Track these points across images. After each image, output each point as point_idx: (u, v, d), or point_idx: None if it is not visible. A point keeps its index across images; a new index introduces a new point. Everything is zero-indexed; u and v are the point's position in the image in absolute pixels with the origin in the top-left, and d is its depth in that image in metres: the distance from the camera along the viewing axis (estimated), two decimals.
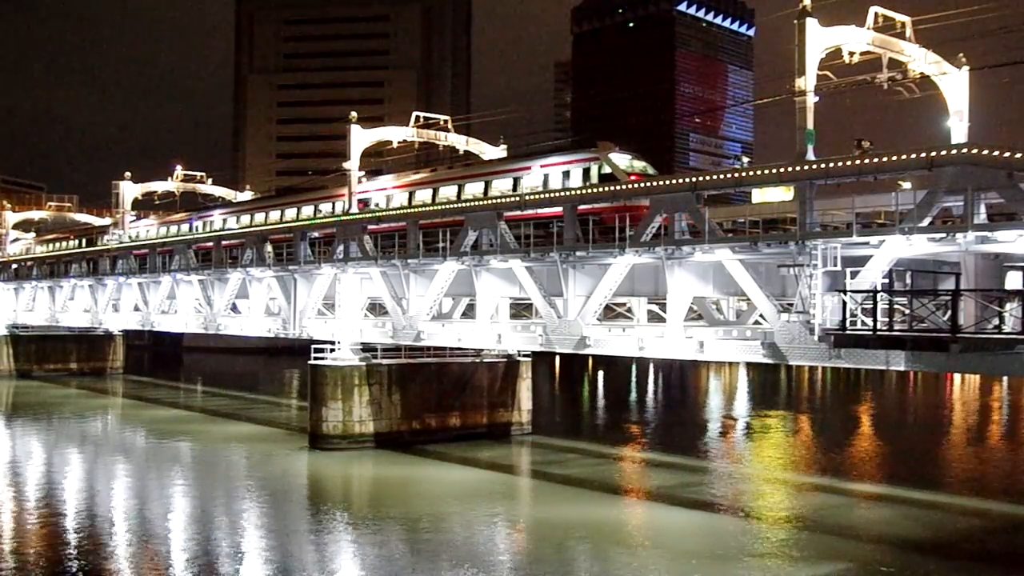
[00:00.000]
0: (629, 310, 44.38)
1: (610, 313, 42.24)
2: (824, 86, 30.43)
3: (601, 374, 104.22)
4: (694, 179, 32.99)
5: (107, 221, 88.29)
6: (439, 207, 45.03)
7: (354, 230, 47.19)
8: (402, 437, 48.71)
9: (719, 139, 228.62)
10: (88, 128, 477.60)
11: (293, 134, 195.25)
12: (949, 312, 25.53)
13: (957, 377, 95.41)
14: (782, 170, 30.03)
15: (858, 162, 27.96)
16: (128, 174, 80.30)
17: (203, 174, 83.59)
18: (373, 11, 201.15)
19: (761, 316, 32.81)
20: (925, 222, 26.76)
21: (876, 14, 31.67)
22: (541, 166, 44.21)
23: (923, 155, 26.66)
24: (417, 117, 54.03)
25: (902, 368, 27.72)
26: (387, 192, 52.67)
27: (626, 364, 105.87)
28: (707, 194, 32.92)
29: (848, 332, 27.56)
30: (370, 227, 47.28)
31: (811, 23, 29.73)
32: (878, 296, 26.84)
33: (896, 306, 27.28)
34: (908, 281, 30.66)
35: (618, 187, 36.69)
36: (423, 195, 50.03)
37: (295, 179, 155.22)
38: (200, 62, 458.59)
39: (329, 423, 47.71)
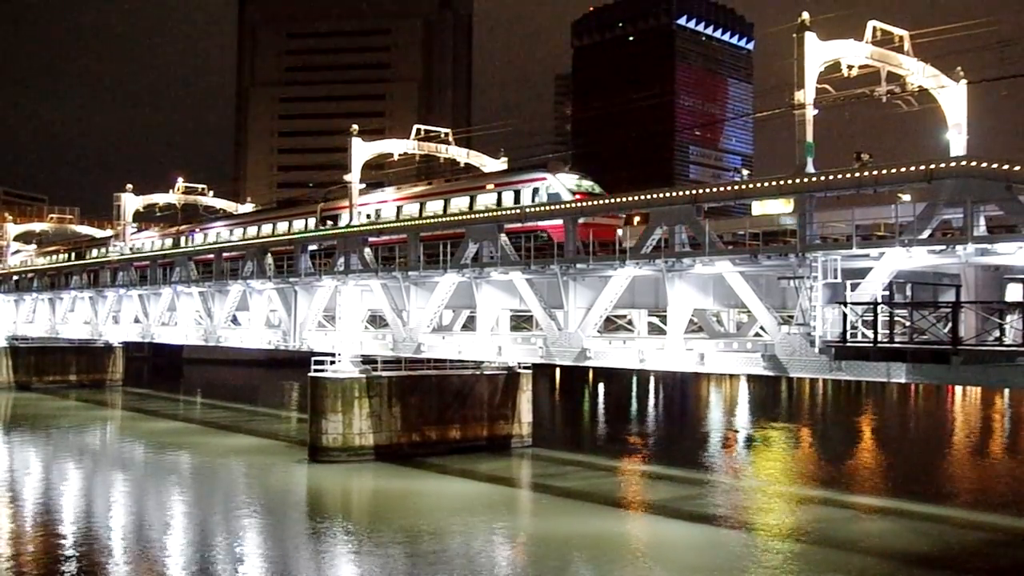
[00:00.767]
0: (630, 322, 44.36)
1: (610, 325, 42.22)
2: (823, 99, 30.53)
3: (602, 386, 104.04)
4: (694, 192, 33.06)
5: (108, 233, 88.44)
6: (439, 219, 45.20)
7: (355, 242, 47.27)
8: (402, 449, 48.62)
9: (719, 151, 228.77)
10: (90, 140, 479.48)
11: (294, 146, 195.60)
12: (950, 324, 25.53)
13: (958, 389, 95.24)
14: (782, 183, 30.08)
15: (858, 175, 28.01)
16: (130, 186, 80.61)
17: (204, 186, 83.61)
18: (374, 25, 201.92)
19: (762, 328, 32.82)
20: (925, 234, 26.80)
21: (874, 28, 31.82)
22: (495, 186, 46.99)
23: (922, 168, 26.71)
24: (418, 130, 54.14)
25: (903, 380, 27.73)
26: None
27: (627, 376, 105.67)
28: (707, 206, 33.04)
29: (849, 344, 27.53)
30: (371, 239, 47.41)
31: (810, 37, 29.86)
32: (879, 308, 26.84)
33: (897, 318, 27.29)
34: (908, 293, 30.63)
35: (619, 200, 36.94)
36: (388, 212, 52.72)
37: (296, 191, 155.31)
38: (202, 75, 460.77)
39: (329, 435, 47.61)
